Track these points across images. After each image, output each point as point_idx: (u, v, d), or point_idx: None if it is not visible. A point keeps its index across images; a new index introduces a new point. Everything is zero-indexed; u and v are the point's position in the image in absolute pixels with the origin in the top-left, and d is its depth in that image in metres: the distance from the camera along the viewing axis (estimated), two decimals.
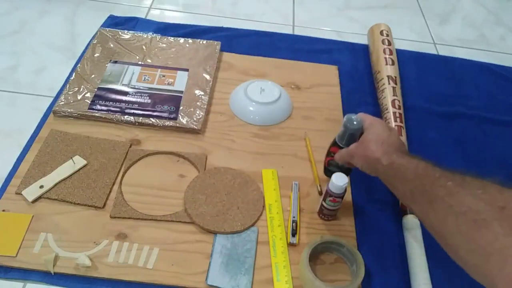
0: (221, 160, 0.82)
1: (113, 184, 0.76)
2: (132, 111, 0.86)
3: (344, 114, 0.95)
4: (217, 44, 1.04)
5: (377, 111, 0.96)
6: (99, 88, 0.90)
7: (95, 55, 0.98)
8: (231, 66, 1.03)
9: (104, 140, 0.82)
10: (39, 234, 0.68)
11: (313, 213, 0.76)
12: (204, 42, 1.05)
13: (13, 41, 1.04)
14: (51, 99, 0.90)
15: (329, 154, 0.77)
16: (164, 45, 1.03)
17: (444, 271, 0.72)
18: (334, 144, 0.74)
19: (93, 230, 0.69)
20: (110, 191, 0.75)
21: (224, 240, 0.70)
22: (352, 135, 0.70)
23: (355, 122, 0.69)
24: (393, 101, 0.92)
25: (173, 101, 0.89)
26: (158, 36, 1.05)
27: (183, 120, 0.86)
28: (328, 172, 0.77)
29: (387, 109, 0.91)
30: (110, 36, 1.03)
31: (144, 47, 1.01)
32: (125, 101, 0.88)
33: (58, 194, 0.73)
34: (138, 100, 0.89)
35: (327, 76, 1.03)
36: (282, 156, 0.85)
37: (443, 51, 1.20)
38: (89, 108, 0.86)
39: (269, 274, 0.67)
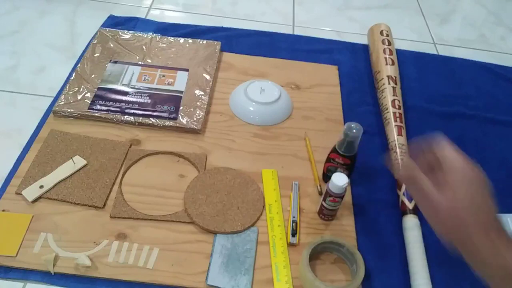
0: (221, 160, 0.82)
1: (113, 184, 0.76)
2: (132, 111, 0.86)
3: (344, 114, 0.95)
4: (217, 44, 1.04)
5: (377, 111, 0.96)
6: (99, 88, 0.90)
7: (95, 55, 0.98)
8: (231, 66, 1.03)
9: (104, 140, 0.82)
10: (39, 234, 0.68)
11: (313, 213, 0.76)
12: (204, 42, 1.05)
13: (13, 41, 1.04)
14: (51, 99, 0.90)
15: (329, 160, 0.77)
16: (164, 45, 1.03)
17: (444, 271, 0.72)
18: (334, 150, 0.75)
19: (93, 230, 0.69)
20: (110, 191, 0.75)
21: (224, 240, 0.70)
22: (351, 143, 0.72)
23: (354, 130, 0.71)
24: (393, 101, 0.92)
25: (173, 101, 0.89)
26: (158, 36, 1.05)
27: (183, 120, 0.86)
28: (327, 178, 0.77)
29: (387, 109, 0.91)
30: (110, 36, 1.03)
31: (144, 47, 1.01)
32: (125, 101, 0.88)
33: (58, 194, 0.73)
34: (138, 100, 0.89)
35: (327, 76, 1.03)
36: (282, 156, 0.85)
37: (443, 51, 1.20)
38: (89, 108, 0.86)
39: (269, 274, 0.67)
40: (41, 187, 0.73)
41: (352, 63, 1.09)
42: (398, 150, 0.84)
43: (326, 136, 0.89)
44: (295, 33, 1.19)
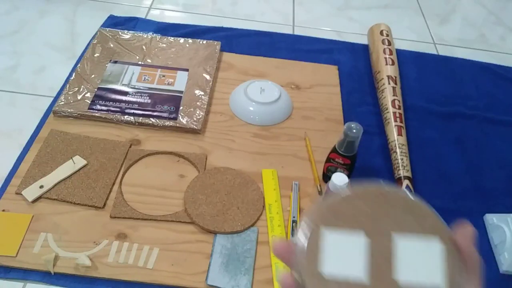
0: (221, 160, 0.82)
1: (113, 184, 0.76)
2: (132, 111, 0.86)
3: (344, 114, 0.95)
4: (217, 44, 1.04)
5: (377, 111, 0.96)
6: (99, 88, 0.90)
7: (95, 55, 0.98)
8: (231, 66, 1.03)
9: (104, 140, 0.82)
10: (39, 234, 0.68)
11: None
12: (204, 42, 1.05)
13: (13, 41, 1.04)
14: (51, 99, 0.90)
15: (329, 160, 0.77)
16: (164, 45, 1.03)
17: None
18: (334, 150, 0.75)
19: (93, 230, 0.69)
20: (110, 191, 0.75)
21: (224, 240, 0.70)
22: (351, 143, 0.72)
23: (354, 130, 0.71)
24: (393, 101, 0.92)
25: (173, 101, 0.89)
26: (158, 36, 1.05)
27: (183, 120, 0.86)
28: (327, 178, 0.77)
29: (387, 109, 0.91)
30: (110, 36, 1.03)
31: (144, 47, 1.01)
32: (125, 101, 0.88)
33: (58, 194, 0.73)
34: (138, 100, 0.89)
35: (327, 76, 1.03)
36: (282, 156, 0.85)
37: (443, 51, 1.20)
38: (89, 108, 0.86)
39: (269, 274, 0.67)
40: (41, 187, 0.73)
41: (352, 63, 1.09)
42: (398, 150, 0.84)
43: (326, 136, 0.89)
44: (295, 33, 1.19)
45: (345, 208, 0.33)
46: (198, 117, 0.87)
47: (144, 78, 0.94)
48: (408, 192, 0.33)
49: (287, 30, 1.19)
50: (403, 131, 0.87)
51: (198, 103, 0.90)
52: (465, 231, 0.32)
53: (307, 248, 0.31)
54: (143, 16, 1.17)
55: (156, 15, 1.19)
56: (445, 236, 0.32)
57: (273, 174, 0.80)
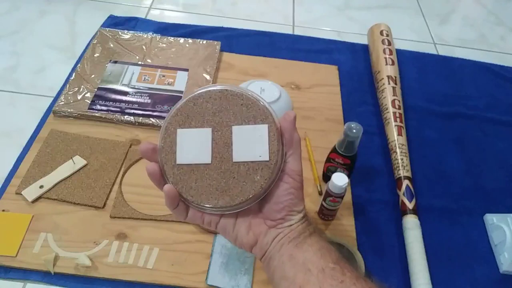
0: None
1: (113, 184, 0.76)
2: (132, 111, 0.86)
3: (344, 114, 0.95)
4: (217, 44, 1.04)
5: (377, 111, 0.96)
6: (99, 88, 0.90)
7: (95, 55, 0.98)
8: (231, 66, 1.03)
9: (104, 140, 0.82)
10: (39, 234, 0.68)
11: (313, 213, 0.76)
12: (204, 42, 1.05)
13: (13, 41, 1.04)
14: (51, 99, 0.90)
15: (329, 160, 0.77)
16: (164, 45, 1.03)
17: (444, 271, 0.72)
18: (334, 150, 0.75)
19: (93, 230, 0.69)
20: (110, 191, 0.75)
21: (224, 240, 0.70)
22: (351, 143, 0.72)
23: (354, 130, 0.71)
24: (393, 101, 0.92)
25: (173, 101, 0.89)
26: (158, 36, 1.05)
27: None
28: (327, 178, 0.77)
29: (387, 109, 0.91)
30: (110, 36, 1.03)
31: (144, 47, 1.01)
32: (125, 101, 0.88)
33: (58, 194, 0.73)
34: (138, 100, 0.89)
35: (327, 76, 1.03)
36: None
37: (443, 51, 1.20)
38: (89, 108, 0.86)
39: None
40: (41, 187, 0.73)
41: (352, 63, 1.09)
42: (398, 150, 0.84)
43: (326, 136, 0.89)
44: (295, 33, 1.19)
45: (193, 109, 0.44)
46: None
47: (144, 78, 0.94)
48: (245, 89, 0.44)
49: (287, 30, 1.19)
50: (403, 131, 0.87)
51: None
52: (287, 116, 0.42)
53: (166, 146, 0.43)
54: (143, 16, 1.17)
55: (156, 15, 1.19)
56: (271, 123, 0.42)
57: None
